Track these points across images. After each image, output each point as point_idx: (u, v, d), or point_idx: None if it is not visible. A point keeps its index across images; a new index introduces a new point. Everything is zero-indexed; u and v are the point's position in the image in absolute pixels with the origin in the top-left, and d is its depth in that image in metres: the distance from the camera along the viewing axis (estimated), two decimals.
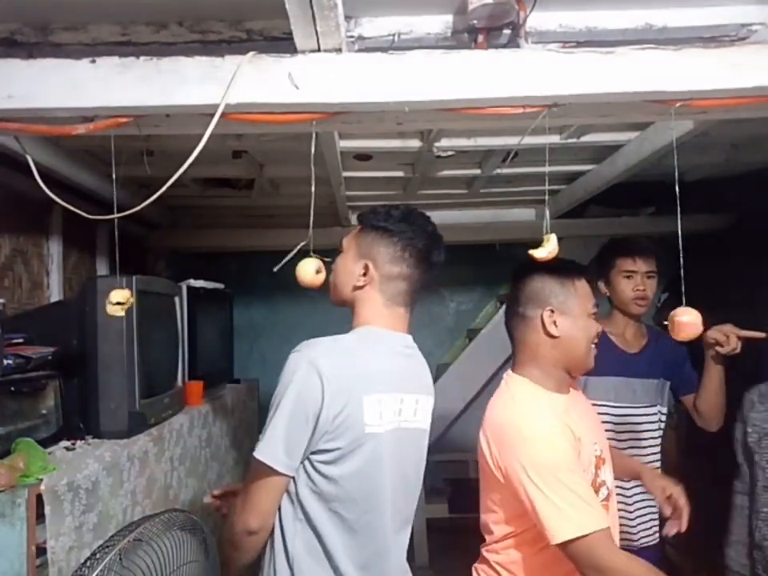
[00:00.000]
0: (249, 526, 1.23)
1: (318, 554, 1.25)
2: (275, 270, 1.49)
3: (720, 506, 2.12)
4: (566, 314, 1.44)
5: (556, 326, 1.43)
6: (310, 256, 1.42)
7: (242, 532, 1.24)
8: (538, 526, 1.29)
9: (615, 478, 1.54)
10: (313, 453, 1.23)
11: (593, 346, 1.47)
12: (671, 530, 1.53)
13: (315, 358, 1.22)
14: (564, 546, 1.25)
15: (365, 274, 1.36)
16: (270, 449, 1.20)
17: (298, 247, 1.43)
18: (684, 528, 1.50)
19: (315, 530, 1.24)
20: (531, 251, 1.39)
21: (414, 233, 1.37)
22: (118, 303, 1.43)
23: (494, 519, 1.42)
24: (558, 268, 1.46)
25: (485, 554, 1.46)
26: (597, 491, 1.40)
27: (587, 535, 1.23)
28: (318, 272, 1.43)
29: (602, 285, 2.12)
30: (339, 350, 1.28)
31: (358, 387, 1.25)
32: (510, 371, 1.51)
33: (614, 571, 1.24)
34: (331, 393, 1.20)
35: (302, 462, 1.24)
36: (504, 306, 2.19)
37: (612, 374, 2.00)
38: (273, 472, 1.21)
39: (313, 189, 1.45)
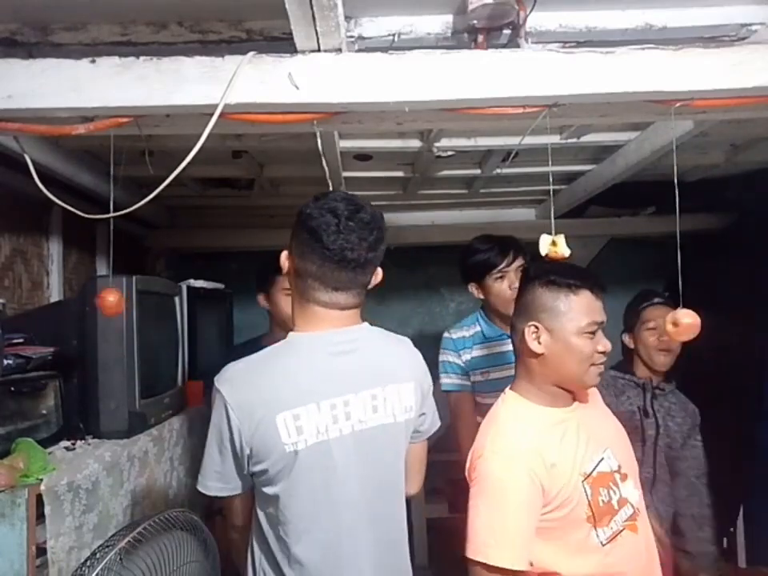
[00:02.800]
0: (231, 522, 1.33)
1: (283, 562, 1.23)
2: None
3: None
4: (552, 331, 1.33)
5: (539, 344, 1.34)
6: None
7: (230, 528, 1.33)
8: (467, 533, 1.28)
9: None
10: (252, 474, 1.23)
11: (594, 366, 1.34)
12: None
13: (222, 387, 1.20)
14: (470, 562, 1.25)
15: (289, 271, 1.29)
16: (203, 480, 1.25)
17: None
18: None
19: (274, 546, 1.23)
20: (554, 252, 1.39)
21: (322, 225, 1.20)
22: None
23: None
24: (554, 278, 1.35)
25: None
26: (617, 509, 1.34)
27: (494, 567, 1.22)
28: None
29: None
30: (249, 373, 1.23)
31: (269, 407, 1.18)
32: (508, 388, 1.45)
33: None
34: (239, 419, 1.18)
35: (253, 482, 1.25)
36: None
37: None
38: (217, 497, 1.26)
39: (330, 185, 1.44)
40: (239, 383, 1.21)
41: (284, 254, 1.30)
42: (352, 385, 1.25)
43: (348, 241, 1.20)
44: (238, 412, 1.18)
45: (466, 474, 1.37)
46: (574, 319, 1.32)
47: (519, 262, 2.10)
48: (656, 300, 2.19)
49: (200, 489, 1.25)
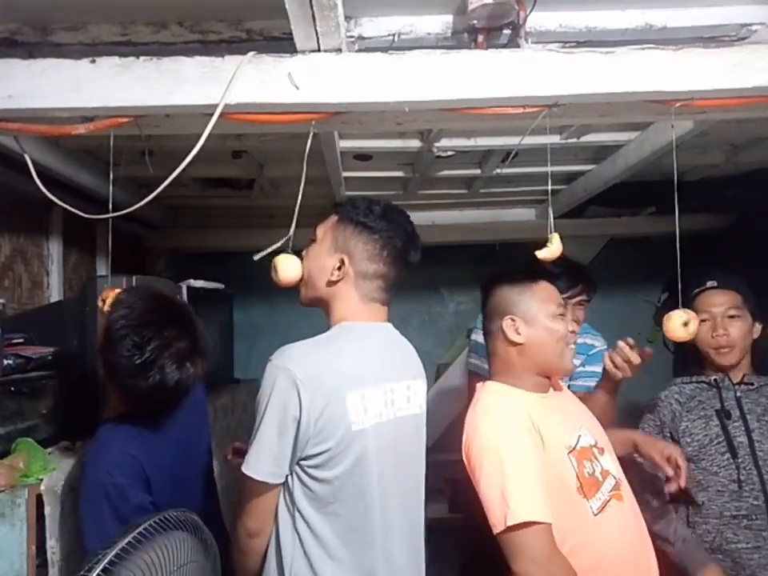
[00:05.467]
0: (249, 528, 1.26)
1: (319, 561, 1.22)
2: (255, 258, 1.42)
3: None
4: (527, 320, 1.46)
5: (518, 334, 1.46)
6: (288, 252, 1.38)
7: (244, 535, 1.27)
8: (487, 513, 1.31)
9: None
10: (303, 459, 1.21)
11: (568, 346, 1.47)
12: (672, 486, 1.56)
13: (289, 364, 1.21)
14: (501, 537, 1.27)
15: (339, 268, 1.32)
16: (256, 463, 1.21)
17: (282, 240, 1.39)
18: (683, 484, 1.54)
19: (316, 536, 1.22)
20: (537, 252, 1.42)
21: (394, 231, 1.35)
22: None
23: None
24: (514, 277, 1.52)
25: None
26: (602, 481, 1.41)
27: (520, 524, 1.24)
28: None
29: None
30: (313, 352, 1.25)
31: (339, 386, 1.22)
32: (484, 382, 1.53)
33: (532, 565, 1.24)
34: (309, 397, 1.18)
35: (294, 470, 1.23)
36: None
37: None
38: (263, 483, 1.22)
39: (301, 190, 1.43)
40: (307, 361, 1.23)
41: (330, 260, 1.34)
42: (395, 374, 1.35)
43: (415, 244, 1.39)
44: (308, 386, 1.19)
45: (465, 460, 1.42)
46: (543, 306, 1.47)
47: (582, 297, 1.98)
48: (709, 284, 1.85)
49: (250, 473, 1.21)
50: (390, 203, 1.40)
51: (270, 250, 1.41)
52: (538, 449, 1.34)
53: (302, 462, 1.22)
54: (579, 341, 1.74)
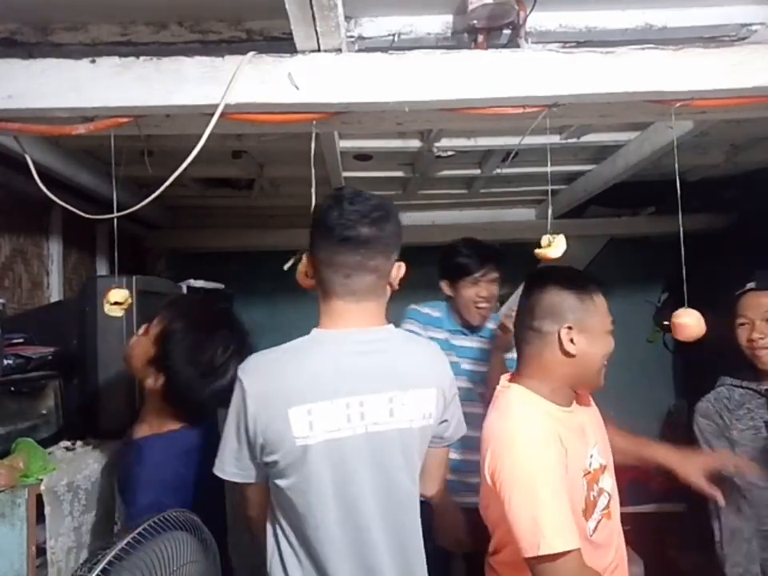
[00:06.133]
0: (247, 513, 1.35)
1: (292, 566, 1.24)
2: (285, 268, 1.43)
3: None
4: (585, 332, 1.36)
5: (573, 344, 1.35)
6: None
7: (246, 517, 1.36)
8: (513, 534, 1.25)
9: (621, 463, 1.50)
10: (265, 465, 1.23)
11: (605, 363, 1.41)
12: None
13: (243, 375, 1.23)
14: (531, 561, 1.22)
15: (310, 263, 1.29)
16: (221, 464, 1.26)
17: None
18: (747, 470, 1.51)
19: (287, 540, 1.25)
20: (543, 251, 1.40)
21: (327, 211, 1.23)
22: (116, 303, 1.43)
23: (495, 524, 1.39)
24: (575, 281, 1.40)
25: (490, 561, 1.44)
26: (596, 501, 1.38)
27: (556, 554, 1.19)
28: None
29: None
30: (266, 364, 1.24)
31: (282, 400, 1.19)
32: (506, 382, 1.45)
33: None
34: (254, 410, 1.19)
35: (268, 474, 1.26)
36: (502, 306, 2.20)
37: None
38: (234, 482, 1.27)
39: (313, 189, 1.44)
40: (258, 374, 1.23)
41: (304, 259, 1.33)
42: (369, 386, 1.24)
43: (348, 218, 1.21)
44: (254, 401, 1.19)
45: (487, 474, 1.33)
46: (602, 319, 1.39)
47: (494, 275, 2.21)
48: (748, 286, 1.79)
49: (217, 472, 1.26)
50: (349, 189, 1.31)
51: (296, 258, 1.41)
52: (564, 470, 1.29)
53: (266, 468, 1.24)
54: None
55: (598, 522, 1.38)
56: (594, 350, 1.37)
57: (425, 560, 1.31)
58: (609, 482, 1.45)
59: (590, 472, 1.37)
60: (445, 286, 2.26)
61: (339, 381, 1.22)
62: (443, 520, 1.62)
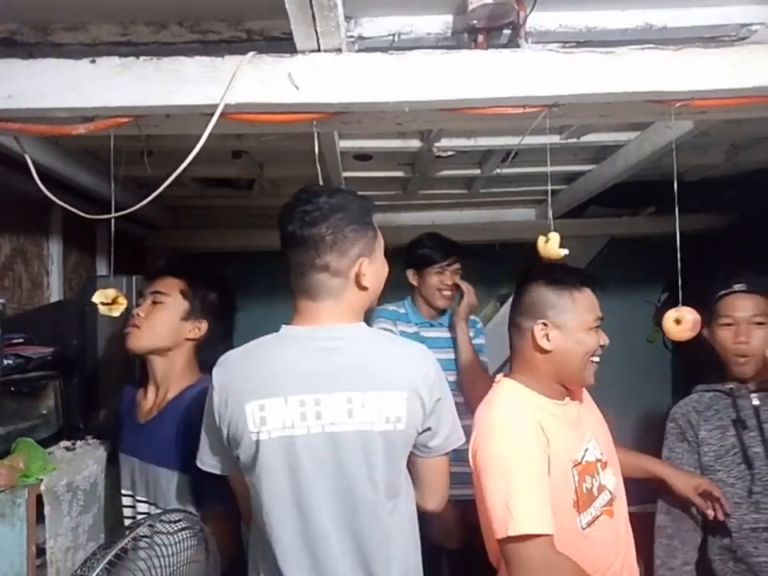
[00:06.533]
0: (237, 494, 1.37)
1: (261, 562, 1.27)
2: None
3: None
4: (560, 328, 1.37)
5: (548, 340, 1.37)
6: None
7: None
8: (490, 515, 1.27)
9: (627, 477, 1.50)
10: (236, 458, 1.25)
11: (592, 360, 1.40)
12: (715, 515, 1.55)
13: (214, 369, 1.26)
14: (501, 543, 1.25)
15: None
16: (200, 455, 1.31)
17: None
18: (727, 508, 1.54)
19: (255, 538, 1.28)
20: (543, 250, 1.41)
21: (282, 207, 1.29)
22: (106, 303, 1.44)
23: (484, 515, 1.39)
24: (555, 277, 1.41)
25: None
26: (596, 496, 1.39)
27: (524, 536, 1.21)
28: None
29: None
30: (232, 359, 1.28)
31: (241, 394, 1.21)
32: (500, 377, 1.48)
33: None
34: (220, 403, 1.22)
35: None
36: (503, 306, 2.23)
37: None
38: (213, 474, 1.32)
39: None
40: (226, 369, 1.26)
41: None
42: (326, 384, 1.20)
43: (294, 217, 1.24)
44: (219, 395, 1.23)
45: (471, 461, 1.37)
46: (581, 316, 1.38)
47: (457, 265, 2.42)
48: (737, 287, 1.76)
49: (197, 464, 1.31)
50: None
51: None
52: (544, 458, 1.30)
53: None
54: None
55: (596, 518, 1.38)
56: (570, 347, 1.37)
57: (402, 568, 1.24)
58: (612, 481, 1.45)
59: (580, 463, 1.37)
60: (411, 275, 2.44)
61: (294, 377, 1.21)
62: (437, 517, 1.59)
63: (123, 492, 1.57)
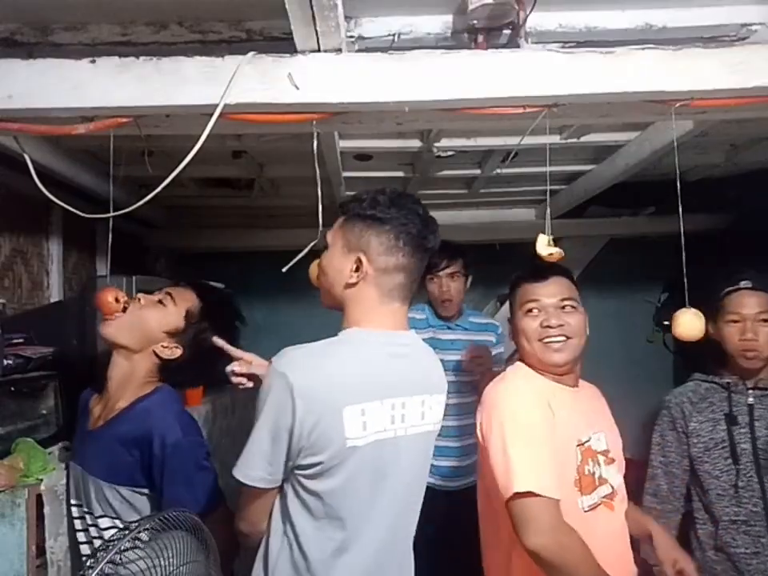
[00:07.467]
0: (240, 529, 1.26)
1: (301, 571, 1.18)
2: (284, 270, 1.44)
3: None
4: (514, 317, 1.53)
5: (511, 329, 1.55)
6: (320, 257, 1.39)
7: (238, 532, 1.27)
8: (496, 481, 1.31)
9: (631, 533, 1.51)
10: (297, 467, 1.16)
11: (545, 342, 1.46)
12: None
13: (287, 370, 1.13)
14: (508, 504, 1.27)
15: (357, 269, 1.22)
16: (246, 468, 1.16)
17: (309, 247, 1.41)
18: None
19: (301, 548, 1.17)
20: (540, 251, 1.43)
21: (406, 218, 1.22)
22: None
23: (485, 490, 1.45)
24: (517, 275, 1.57)
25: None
26: (594, 480, 1.42)
27: (530, 493, 1.23)
28: None
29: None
30: (313, 359, 1.16)
31: (336, 398, 1.13)
32: (517, 362, 1.58)
33: (541, 537, 1.22)
34: (303, 407, 1.11)
35: (289, 476, 1.18)
36: (503, 306, 2.24)
37: None
38: (253, 488, 1.17)
39: (319, 189, 1.44)
40: (306, 368, 1.14)
41: (345, 263, 1.24)
42: (408, 388, 1.24)
43: (432, 228, 1.26)
44: (304, 397, 1.11)
45: (479, 433, 1.42)
46: (520, 307, 1.51)
47: (450, 269, 2.39)
48: (743, 284, 1.78)
49: (239, 477, 1.16)
50: (396, 190, 1.28)
51: (297, 259, 1.43)
52: (549, 428, 1.34)
53: (296, 471, 1.16)
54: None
55: (597, 506, 1.40)
56: (519, 336, 1.51)
57: (411, 562, 1.32)
58: (615, 478, 1.48)
59: (583, 443, 1.42)
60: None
61: (387, 380, 1.21)
62: None
63: (72, 502, 1.48)
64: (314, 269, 1.38)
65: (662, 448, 1.86)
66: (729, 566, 1.72)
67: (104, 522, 1.39)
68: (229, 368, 1.40)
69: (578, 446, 1.40)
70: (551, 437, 1.33)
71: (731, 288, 1.79)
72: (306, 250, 1.42)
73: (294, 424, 1.11)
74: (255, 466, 1.15)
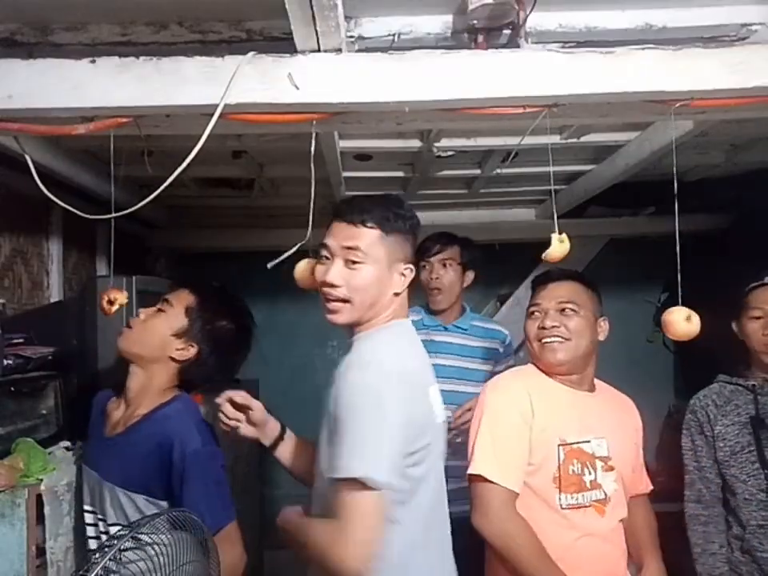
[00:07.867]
0: (369, 537, 1.06)
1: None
2: (269, 266, 1.45)
3: None
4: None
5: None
6: (309, 256, 1.39)
7: (366, 544, 1.06)
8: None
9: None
10: (408, 455, 1.15)
11: (543, 341, 1.52)
12: None
13: (385, 364, 1.17)
14: (470, 484, 1.42)
15: (405, 276, 1.30)
16: (378, 468, 1.06)
17: (297, 246, 1.41)
18: None
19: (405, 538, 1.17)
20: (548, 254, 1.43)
21: (413, 221, 1.35)
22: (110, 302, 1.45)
23: None
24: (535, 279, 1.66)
25: None
26: (588, 488, 1.46)
27: (481, 477, 1.38)
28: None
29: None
30: (399, 350, 1.25)
31: (422, 380, 1.26)
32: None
33: (485, 519, 1.36)
34: (404, 391, 1.15)
35: None
36: (503, 306, 2.24)
37: None
38: (377, 493, 1.06)
39: (312, 189, 1.44)
40: (399, 358, 1.22)
41: (392, 274, 1.28)
42: (433, 375, 1.35)
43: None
44: (401, 383, 1.15)
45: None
46: (527, 308, 1.60)
47: (442, 255, 2.30)
48: (767, 279, 1.79)
49: (375, 476, 1.05)
50: (388, 195, 1.38)
51: (283, 257, 1.42)
52: (522, 424, 1.44)
53: (404, 461, 1.15)
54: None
55: (582, 507, 1.44)
56: (525, 332, 1.59)
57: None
58: (611, 485, 1.50)
59: (568, 444, 1.46)
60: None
61: (429, 367, 1.34)
62: None
63: (86, 508, 1.47)
64: (303, 269, 1.39)
65: (694, 453, 1.83)
66: (755, 567, 1.71)
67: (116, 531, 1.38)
68: (221, 406, 1.41)
69: (561, 445, 1.45)
70: (525, 435, 1.43)
71: (755, 284, 1.78)
72: (293, 250, 1.40)
73: (402, 409, 1.13)
74: (385, 466, 1.07)
